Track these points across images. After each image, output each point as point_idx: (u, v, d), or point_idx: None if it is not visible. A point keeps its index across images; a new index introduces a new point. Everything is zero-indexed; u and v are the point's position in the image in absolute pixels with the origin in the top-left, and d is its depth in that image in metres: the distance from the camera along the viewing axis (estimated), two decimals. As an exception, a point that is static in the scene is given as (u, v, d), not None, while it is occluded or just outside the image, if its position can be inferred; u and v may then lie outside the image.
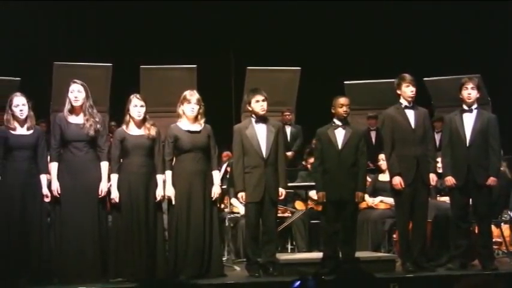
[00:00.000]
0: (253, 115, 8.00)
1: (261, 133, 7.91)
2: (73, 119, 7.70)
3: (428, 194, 8.22)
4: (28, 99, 7.64)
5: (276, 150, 7.91)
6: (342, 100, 8.03)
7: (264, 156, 7.84)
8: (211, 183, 7.87)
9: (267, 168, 7.83)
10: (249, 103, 8.00)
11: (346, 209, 7.88)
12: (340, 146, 7.90)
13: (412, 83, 8.01)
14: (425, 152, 7.96)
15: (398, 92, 8.06)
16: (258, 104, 7.93)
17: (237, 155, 7.95)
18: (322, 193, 7.95)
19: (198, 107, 7.88)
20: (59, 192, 7.57)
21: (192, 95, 7.90)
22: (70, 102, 7.71)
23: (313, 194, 9.23)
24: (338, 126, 7.97)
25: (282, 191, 7.92)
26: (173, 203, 7.79)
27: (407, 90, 8.00)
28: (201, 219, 7.75)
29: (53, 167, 7.66)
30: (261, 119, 7.97)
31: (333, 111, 8.03)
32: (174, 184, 7.80)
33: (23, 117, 7.58)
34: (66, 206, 7.59)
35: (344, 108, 7.96)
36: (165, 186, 7.80)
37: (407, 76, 8.04)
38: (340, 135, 7.93)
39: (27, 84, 11.64)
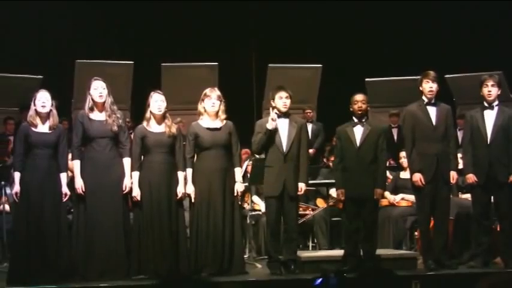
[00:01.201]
0: (276, 111, 8.00)
1: (282, 128, 7.88)
2: (95, 116, 7.72)
3: (450, 191, 8.17)
4: (52, 97, 7.62)
5: (298, 146, 7.88)
6: (357, 97, 8.01)
7: (284, 151, 7.82)
8: (233, 180, 7.86)
9: (287, 163, 7.81)
10: (273, 99, 8.00)
11: (366, 206, 7.87)
12: (358, 144, 7.88)
13: (432, 79, 7.96)
14: (446, 149, 7.92)
15: (421, 88, 8.02)
16: (281, 100, 7.91)
17: None
18: (340, 190, 7.95)
19: (218, 102, 7.89)
20: (83, 189, 7.59)
21: (212, 91, 7.91)
22: (92, 100, 7.72)
23: (333, 192, 9.23)
24: (356, 123, 7.96)
25: (301, 186, 7.87)
26: (193, 200, 7.81)
27: (427, 87, 7.96)
28: (221, 217, 7.75)
29: (76, 164, 7.67)
30: (284, 114, 7.95)
31: (350, 109, 8.03)
32: (194, 181, 7.81)
33: (45, 111, 7.54)
34: (91, 204, 7.60)
35: (359, 105, 7.94)
36: (186, 183, 7.82)
37: (429, 73, 7.99)
38: (358, 132, 7.92)
39: (49, 82, 11.69)
